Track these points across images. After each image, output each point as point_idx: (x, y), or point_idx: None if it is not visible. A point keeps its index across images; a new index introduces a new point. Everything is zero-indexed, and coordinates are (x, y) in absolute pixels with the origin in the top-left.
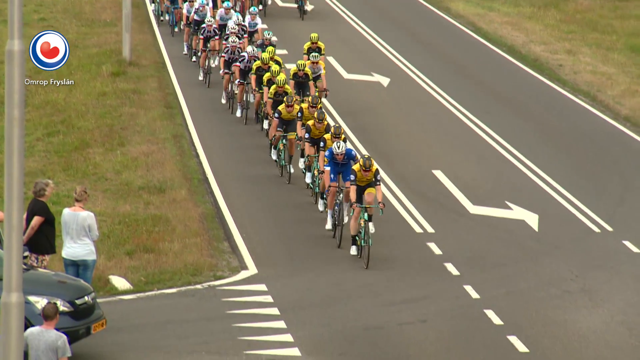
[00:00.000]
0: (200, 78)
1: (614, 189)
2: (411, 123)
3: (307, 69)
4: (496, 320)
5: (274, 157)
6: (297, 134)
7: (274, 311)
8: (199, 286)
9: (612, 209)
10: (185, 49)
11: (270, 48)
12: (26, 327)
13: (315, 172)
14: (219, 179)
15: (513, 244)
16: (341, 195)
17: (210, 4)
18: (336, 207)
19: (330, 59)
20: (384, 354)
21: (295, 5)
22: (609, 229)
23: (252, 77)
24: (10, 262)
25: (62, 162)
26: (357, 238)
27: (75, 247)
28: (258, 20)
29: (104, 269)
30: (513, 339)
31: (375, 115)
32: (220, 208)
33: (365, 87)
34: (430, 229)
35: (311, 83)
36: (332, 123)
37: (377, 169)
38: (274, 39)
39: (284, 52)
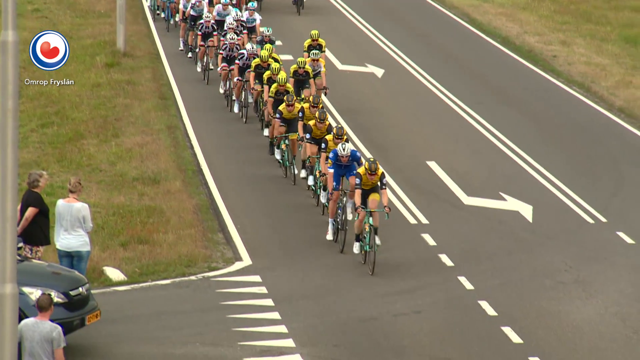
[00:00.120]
0: (199, 69)
1: (608, 180)
2: (405, 114)
3: (307, 66)
4: (490, 311)
5: (277, 157)
6: (298, 134)
7: (269, 302)
8: (193, 277)
9: (606, 200)
10: (182, 44)
11: (268, 45)
12: (20, 319)
13: (317, 174)
14: (214, 170)
15: (507, 235)
16: (345, 198)
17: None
18: (339, 211)
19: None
20: (378, 345)
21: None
22: (603, 220)
23: (251, 75)
24: (5, 253)
25: (56, 153)
26: (360, 236)
27: (70, 239)
28: (256, 15)
29: (98, 260)
30: (507, 330)
31: (369, 107)
32: (215, 199)
33: (359, 78)
34: (424, 220)
35: (311, 81)
36: (332, 123)
37: (382, 173)
38: (277, 42)
39: (278, 42)
